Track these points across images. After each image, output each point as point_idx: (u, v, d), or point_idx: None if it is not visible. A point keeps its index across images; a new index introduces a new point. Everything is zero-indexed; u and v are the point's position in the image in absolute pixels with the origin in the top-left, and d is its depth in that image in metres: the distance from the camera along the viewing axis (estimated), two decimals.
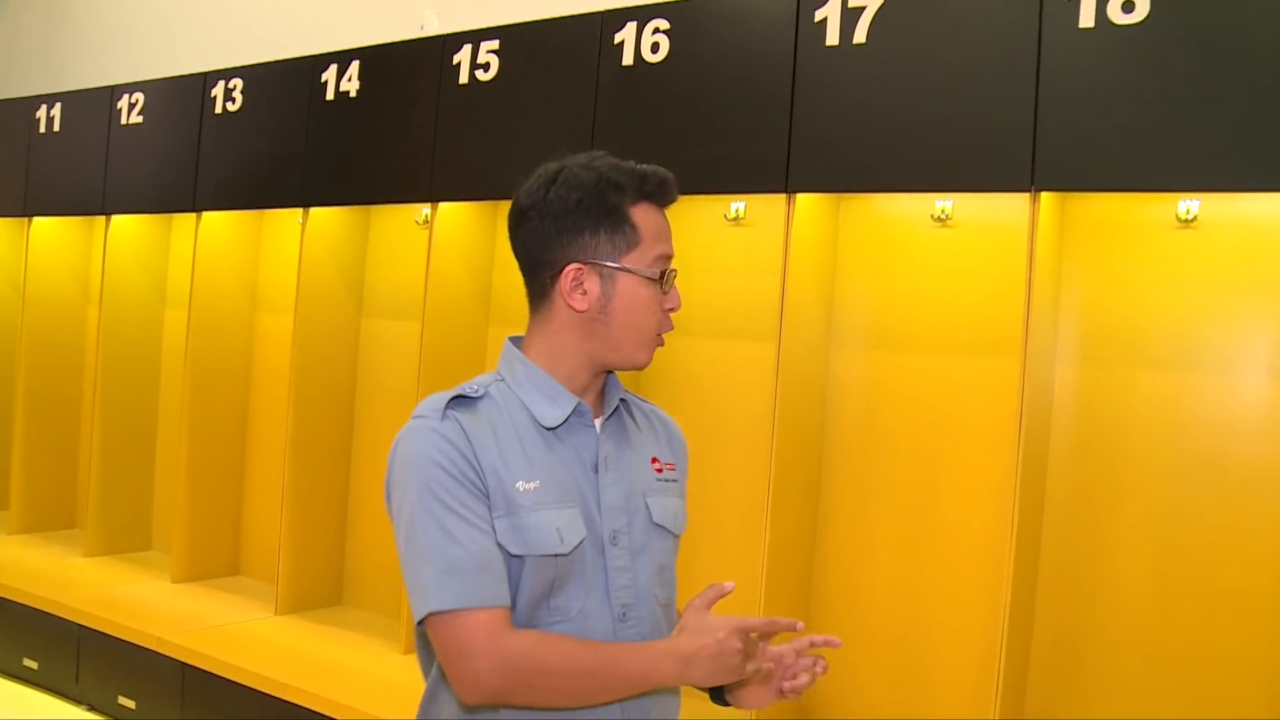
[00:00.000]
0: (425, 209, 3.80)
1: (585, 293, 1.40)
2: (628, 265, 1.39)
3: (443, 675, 1.37)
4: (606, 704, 1.35)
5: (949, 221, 2.96)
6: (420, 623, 1.30)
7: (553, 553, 1.33)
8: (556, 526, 1.34)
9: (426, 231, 3.62)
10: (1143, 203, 2.71)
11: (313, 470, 3.97)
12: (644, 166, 1.44)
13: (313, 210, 3.90)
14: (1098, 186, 2.52)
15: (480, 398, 1.40)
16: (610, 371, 1.48)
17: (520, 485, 1.35)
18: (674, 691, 1.46)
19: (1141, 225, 2.72)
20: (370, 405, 4.11)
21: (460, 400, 1.39)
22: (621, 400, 1.50)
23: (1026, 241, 2.56)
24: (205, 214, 4.21)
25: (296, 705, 3.11)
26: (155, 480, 4.74)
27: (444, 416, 1.36)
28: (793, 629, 1.38)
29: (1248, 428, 2.60)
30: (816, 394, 3.09)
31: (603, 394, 1.49)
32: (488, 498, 1.33)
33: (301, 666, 3.32)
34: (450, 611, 1.27)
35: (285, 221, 4.30)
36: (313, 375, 3.95)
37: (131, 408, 4.67)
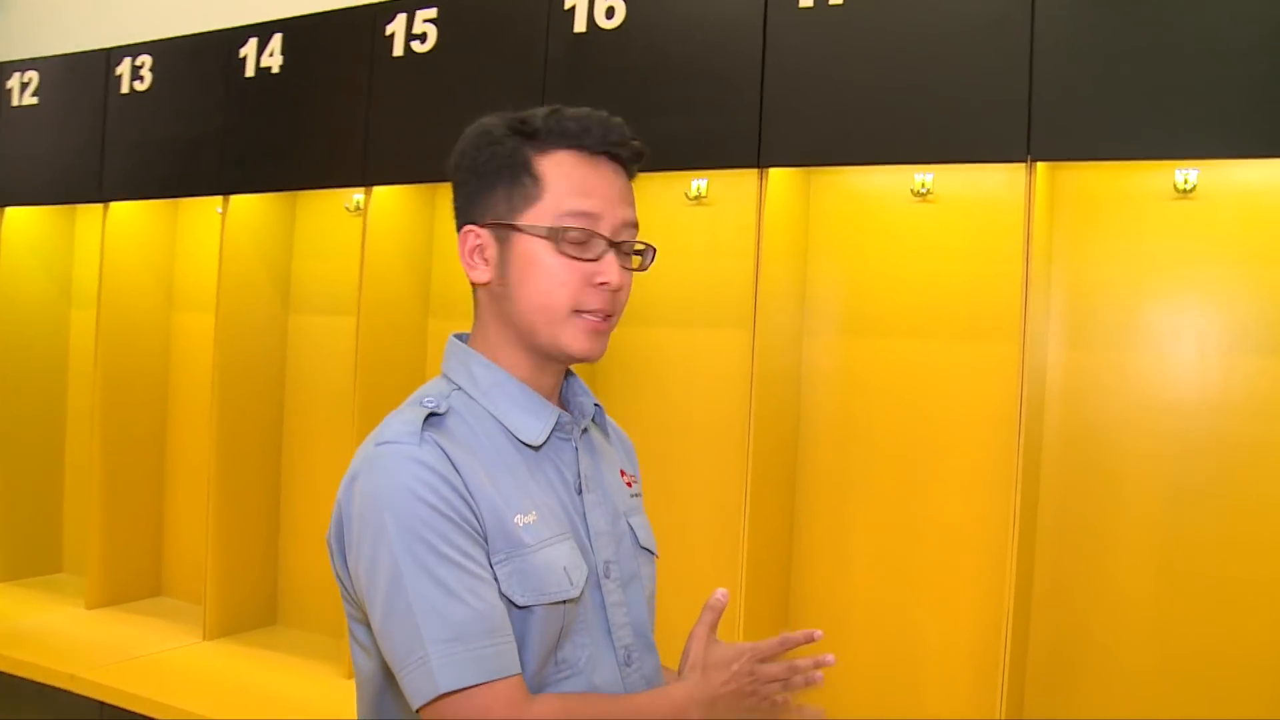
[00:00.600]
0: (357, 194, 3.52)
1: (486, 261, 1.20)
2: (520, 223, 1.15)
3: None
4: None
5: (929, 196, 2.78)
6: (422, 707, 1.05)
7: (563, 598, 1.11)
8: (564, 565, 1.12)
9: (359, 219, 3.34)
10: (1137, 173, 2.56)
11: (240, 480, 3.66)
12: (571, 109, 1.18)
13: (233, 198, 3.58)
14: (1098, 155, 2.36)
15: (445, 414, 1.16)
16: (567, 369, 1.25)
17: (518, 519, 1.11)
18: None
19: (1136, 196, 2.58)
20: (301, 408, 3.81)
21: (435, 421, 1.14)
22: (596, 407, 1.29)
23: (1014, 215, 2.42)
24: (113, 204, 3.86)
25: None
26: (65, 496, 4.36)
27: (422, 440, 1.10)
28: (810, 640, 1.23)
29: (1249, 407, 2.47)
30: (790, 384, 2.89)
31: (562, 397, 1.27)
32: (485, 539, 1.09)
33: (234, 697, 3.03)
34: (463, 690, 1.03)
35: (203, 211, 3.96)
36: (237, 377, 3.64)
37: (35, 417, 4.28)
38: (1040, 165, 2.40)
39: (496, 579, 1.09)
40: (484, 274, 1.20)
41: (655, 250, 1.24)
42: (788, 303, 2.85)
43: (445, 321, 3.52)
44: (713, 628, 1.21)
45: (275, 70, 3.44)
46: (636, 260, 1.22)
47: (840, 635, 2.87)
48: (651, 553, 1.30)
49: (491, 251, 1.20)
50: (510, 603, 1.09)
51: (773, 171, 2.67)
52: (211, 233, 3.76)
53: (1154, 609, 2.54)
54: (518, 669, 1.07)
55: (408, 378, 3.43)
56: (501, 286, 1.19)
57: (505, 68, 3.01)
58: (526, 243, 1.16)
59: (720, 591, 1.16)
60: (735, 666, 1.16)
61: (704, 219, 3.05)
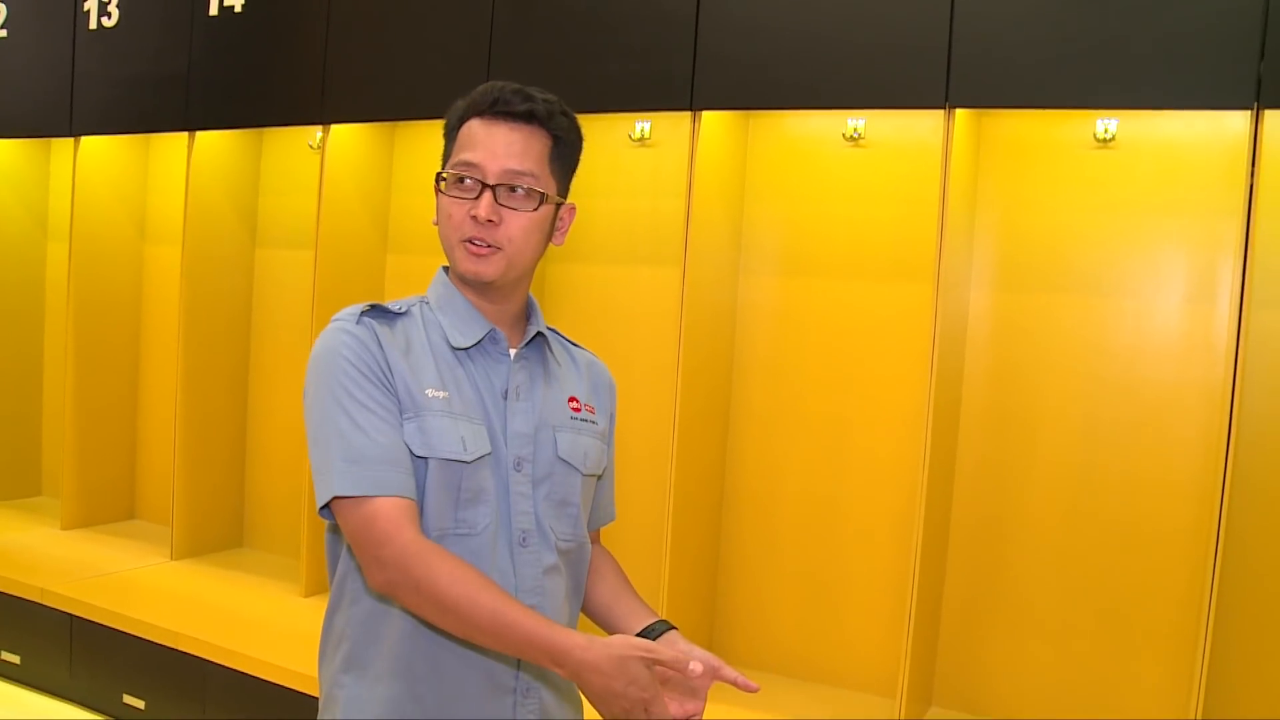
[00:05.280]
0: (318, 131, 3.60)
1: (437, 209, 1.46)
2: (438, 176, 1.42)
3: (345, 580, 1.40)
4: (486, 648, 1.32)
5: (861, 141, 2.86)
6: (325, 508, 1.31)
7: (456, 458, 1.34)
8: (461, 434, 1.35)
9: (319, 156, 3.43)
10: (1060, 122, 2.65)
11: (207, 407, 3.80)
12: (493, 84, 1.44)
13: (200, 134, 3.67)
14: (1015, 103, 2.44)
15: (402, 314, 1.43)
16: (529, 298, 1.50)
17: (429, 391, 1.36)
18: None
19: (1059, 145, 2.66)
20: (266, 338, 3.94)
21: (378, 310, 1.41)
22: (541, 334, 1.50)
23: (940, 160, 2.48)
24: (84, 139, 3.95)
25: (192, 655, 2.98)
26: (43, 422, 4.51)
27: (358, 321, 1.38)
28: (743, 688, 1.33)
29: (1162, 351, 2.58)
30: (725, 321, 3.00)
31: (524, 325, 1.50)
32: (397, 399, 1.34)
33: (198, 614, 3.19)
34: (358, 498, 1.29)
35: (176, 146, 4.04)
36: (204, 308, 3.76)
37: (13, 347, 4.42)
38: (965, 113, 2.48)
39: (404, 433, 1.33)
40: (435, 218, 1.46)
41: (545, 195, 1.42)
42: (724, 242, 2.95)
43: (403, 256, 3.62)
44: (660, 665, 1.27)
45: (238, 9, 3.51)
46: (528, 203, 1.41)
47: (769, 561, 3.01)
48: (574, 467, 1.47)
49: (436, 200, 1.44)
50: (410, 451, 1.33)
51: (712, 115, 2.75)
52: (181, 168, 3.83)
53: (1066, 540, 2.68)
54: (411, 496, 1.30)
55: None
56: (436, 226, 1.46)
57: (457, 10, 3.07)
58: (439, 193, 1.43)
59: (696, 666, 1.29)
60: (642, 692, 1.25)
61: (647, 160, 3.14)
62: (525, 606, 1.28)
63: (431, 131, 3.50)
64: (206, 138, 3.69)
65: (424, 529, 1.32)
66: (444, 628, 1.30)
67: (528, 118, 1.42)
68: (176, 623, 3.07)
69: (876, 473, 2.88)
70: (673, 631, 1.44)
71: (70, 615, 3.27)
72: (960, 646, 2.78)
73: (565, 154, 1.46)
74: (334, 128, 3.35)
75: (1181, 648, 2.51)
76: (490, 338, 1.44)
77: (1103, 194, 2.62)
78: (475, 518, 1.36)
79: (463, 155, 1.40)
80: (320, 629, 1.44)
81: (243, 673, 2.89)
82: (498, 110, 1.41)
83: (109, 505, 4.15)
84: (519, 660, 1.38)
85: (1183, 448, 2.53)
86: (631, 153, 3.14)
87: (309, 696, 2.72)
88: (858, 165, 2.89)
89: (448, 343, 1.42)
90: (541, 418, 1.45)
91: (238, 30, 3.53)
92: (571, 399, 1.52)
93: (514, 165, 1.39)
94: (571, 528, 1.46)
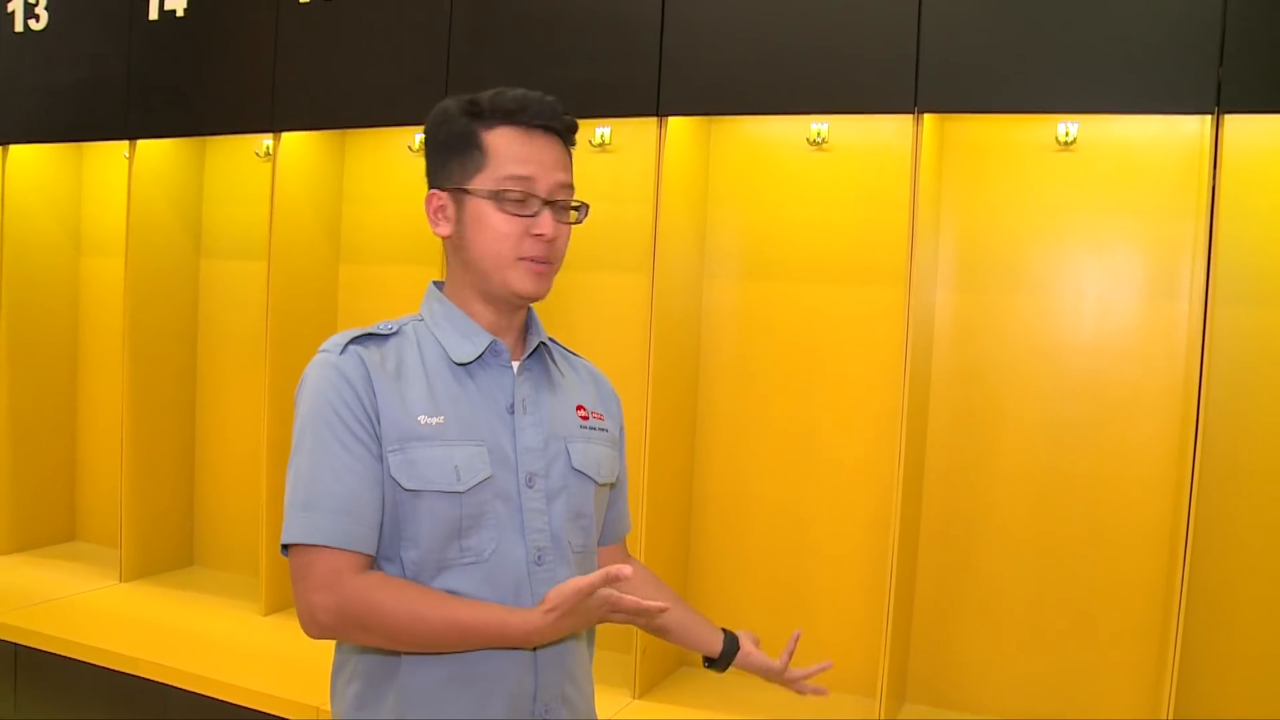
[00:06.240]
0: (267, 140, 3.52)
1: (448, 219, 1.41)
2: (471, 187, 1.37)
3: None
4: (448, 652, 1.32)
5: (825, 145, 2.89)
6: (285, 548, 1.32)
7: (447, 489, 1.31)
8: (455, 464, 1.32)
9: (269, 164, 3.35)
10: (1022, 125, 2.70)
11: (155, 423, 3.69)
12: (513, 90, 1.40)
13: (140, 142, 3.56)
14: (982, 108, 2.47)
15: (393, 334, 1.40)
16: (529, 309, 1.47)
17: (422, 419, 1.33)
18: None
19: (1021, 148, 2.72)
20: (214, 351, 3.84)
21: (367, 337, 1.38)
22: (543, 344, 1.48)
23: (906, 164, 2.53)
24: (13, 147, 3.80)
25: (152, 681, 2.88)
26: None
27: (344, 350, 1.35)
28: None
29: (1123, 349, 2.64)
30: (690, 327, 3.00)
31: (525, 336, 1.48)
32: (378, 438, 1.31)
33: (153, 637, 3.09)
34: (304, 545, 1.28)
35: (110, 155, 3.93)
36: (149, 321, 3.65)
37: None
38: (928, 116, 2.51)
39: (391, 467, 1.30)
40: (445, 229, 1.41)
41: (588, 206, 1.44)
42: (688, 248, 2.95)
43: (355, 266, 3.56)
44: (594, 588, 1.24)
45: (180, 13, 3.42)
46: (573, 215, 1.42)
47: (738, 565, 3.02)
48: (589, 477, 1.46)
49: (450, 211, 1.40)
50: (399, 485, 1.30)
51: (673, 120, 2.75)
52: (119, 178, 3.72)
53: (1032, 541, 2.73)
54: (360, 549, 1.28)
55: (319, 321, 3.48)
56: (460, 239, 1.39)
57: (411, 15, 3.03)
58: (476, 203, 1.37)
59: (626, 569, 1.24)
60: (600, 608, 1.25)
61: (608, 166, 3.13)
62: (471, 602, 1.30)
63: (383, 139, 3.47)
64: (148, 146, 3.58)
65: (423, 562, 1.31)
66: (401, 649, 1.31)
67: (566, 130, 1.42)
68: (134, 648, 2.97)
69: (846, 475, 2.90)
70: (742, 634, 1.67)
71: (15, 645, 3.13)
72: (932, 644, 2.82)
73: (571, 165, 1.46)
74: (285, 135, 3.27)
75: (1150, 642, 2.58)
76: (491, 350, 1.41)
77: (1064, 195, 2.68)
78: (481, 544, 1.33)
79: (514, 169, 1.36)
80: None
81: (207, 696, 2.79)
82: (537, 122, 1.38)
83: (48, 527, 4.01)
84: (535, 686, 1.38)
85: (1146, 444, 2.60)
86: (592, 159, 3.12)
87: (276, 718, 2.65)
88: (821, 169, 2.91)
89: (447, 360, 1.39)
90: (551, 430, 1.43)
91: (181, 35, 3.43)
92: (579, 407, 1.51)
93: (564, 179, 1.40)
94: (584, 538, 1.46)
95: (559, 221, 1.38)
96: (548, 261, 1.38)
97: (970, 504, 2.79)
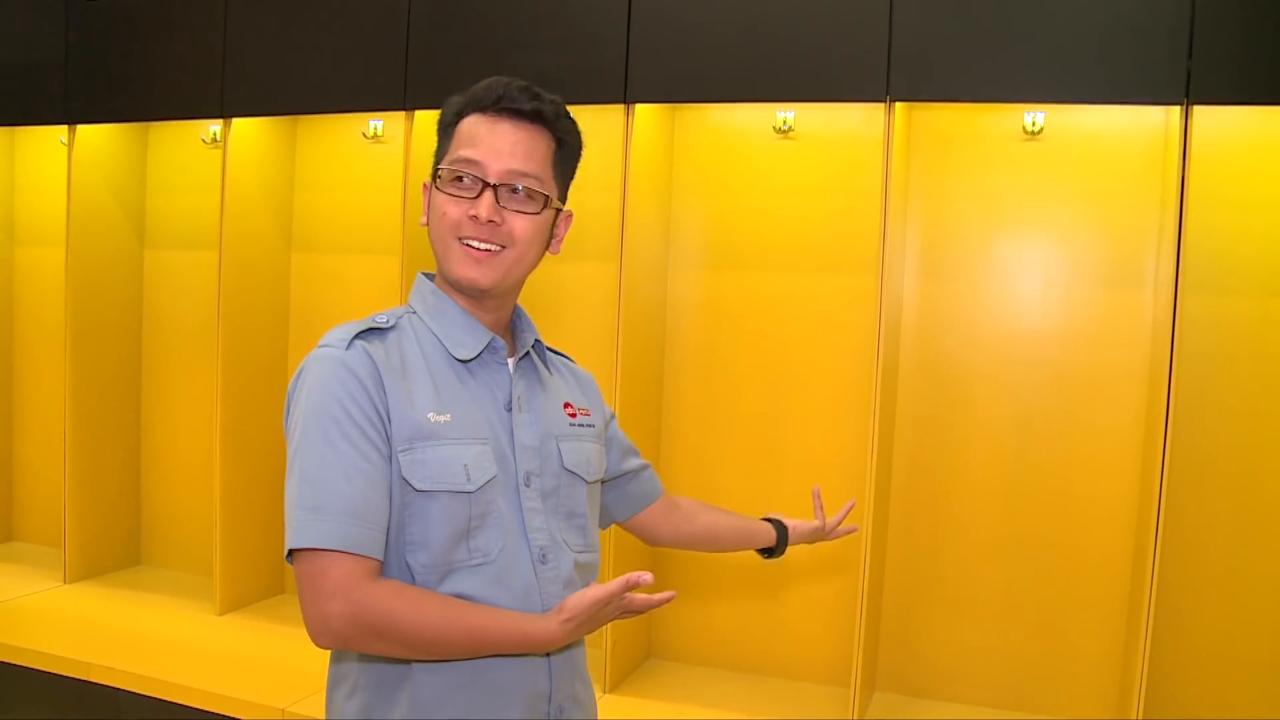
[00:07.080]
0: (214, 125, 3.42)
1: (425, 208, 1.40)
2: (435, 172, 1.36)
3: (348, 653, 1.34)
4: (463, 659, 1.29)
5: (791, 133, 2.87)
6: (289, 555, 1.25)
7: (459, 490, 1.28)
8: (464, 463, 1.29)
9: (216, 151, 3.27)
10: (989, 114, 2.71)
11: (98, 418, 3.57)
12: (502, 78, 1.38)
13: (80, 128, 3.43)
14: (953, 96, 2.47)
15: (390, 328, 1.35)
16: (516, 306, 1.45)
17: (432, 416, 1.29)
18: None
19: (987, 137, 2.73)
20: (160, 343, 3.72)
21: (371, 331, 1.33)
22: (538, 342, 1.47)
23: (872, 153, 2.54)
24: None
25: (103, 685, 2.78)
26: None
27: (350, 346, 1.29)
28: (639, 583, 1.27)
29: (1089, 337, 2.67)
30: (656, 316, 2.97)
31: (513, 334, 1.45)
32: (388, 439, 1.26)
33: (103, 640, 2.98)
34: (314, 550, 1.21)
35: (44, 141, 3.78)
36: (91, 313, 3.52)
37: None
38: (898, 105, 2.51)
39: (402, 467, 1.25)
40: (424, 219, 1.39)
41: (548, 198, 1.37)
42: (653, 237, 2.92)
43: (307, 255, 3.47)
44: (614, 596, 1.24)
45: None
46: (533, 206, 1.35)
47: (707, 562, 3.00)
48: (579, 476, 1.44)
49: (426, 199, 1.39)
50: (411, 486, 1.25)
51: (642, 108, 2.71)
52: (55, 164, 3.60)
53: (1001, 527, 2.75)
54: (371, 554, 1.22)
55: (271, 312, 3.39)
56: (430, 226, 1.38)
57: None
58: (435, 189, 1.36)
59: (647, 575, 1.22)
60: (613, 613, 1.28)
61: None
62: (487, 609, 1.27)
63: (337, 125, 3.38)
64: (88, 132, 3.45)
65: (433, 564, 1.27)
66: (415, 658, 1.27)
67: (534, 117, 1.36)
68: (84, 651, 2.87)
69: (814, 465, 2.90)
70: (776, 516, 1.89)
71: None
72: (902, 632, 2.83)
73: (567, 158, 1.42)
74: (235, 121, 3.17)
75: (1119, 628, 2.61)
76: (490, 347, 1.38)
77: (1030, 184, 2.69)
78: (488, 544, 1.30)
79: (463, 152, 1.33)
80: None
81: (162, 700, 2.70)
82: (502, 107, 1.34)
83: None
84: (550, 688, 1.36)
85: (1115, 431, 2.63)
86: None
87: None
88: (788, 157, 2.90)
89: (447, 356, 1.35)
90: (545, 428, 1.41)
91: (123, 16, 3.31)
92: (566, 404, 1.49)
93: (518, 165, 1.34)
94: (582, 538, 1.44)
95: (503, 207, 1.32)
96: (487, 247, 1.33)
97: (938, 493, 2.80)
